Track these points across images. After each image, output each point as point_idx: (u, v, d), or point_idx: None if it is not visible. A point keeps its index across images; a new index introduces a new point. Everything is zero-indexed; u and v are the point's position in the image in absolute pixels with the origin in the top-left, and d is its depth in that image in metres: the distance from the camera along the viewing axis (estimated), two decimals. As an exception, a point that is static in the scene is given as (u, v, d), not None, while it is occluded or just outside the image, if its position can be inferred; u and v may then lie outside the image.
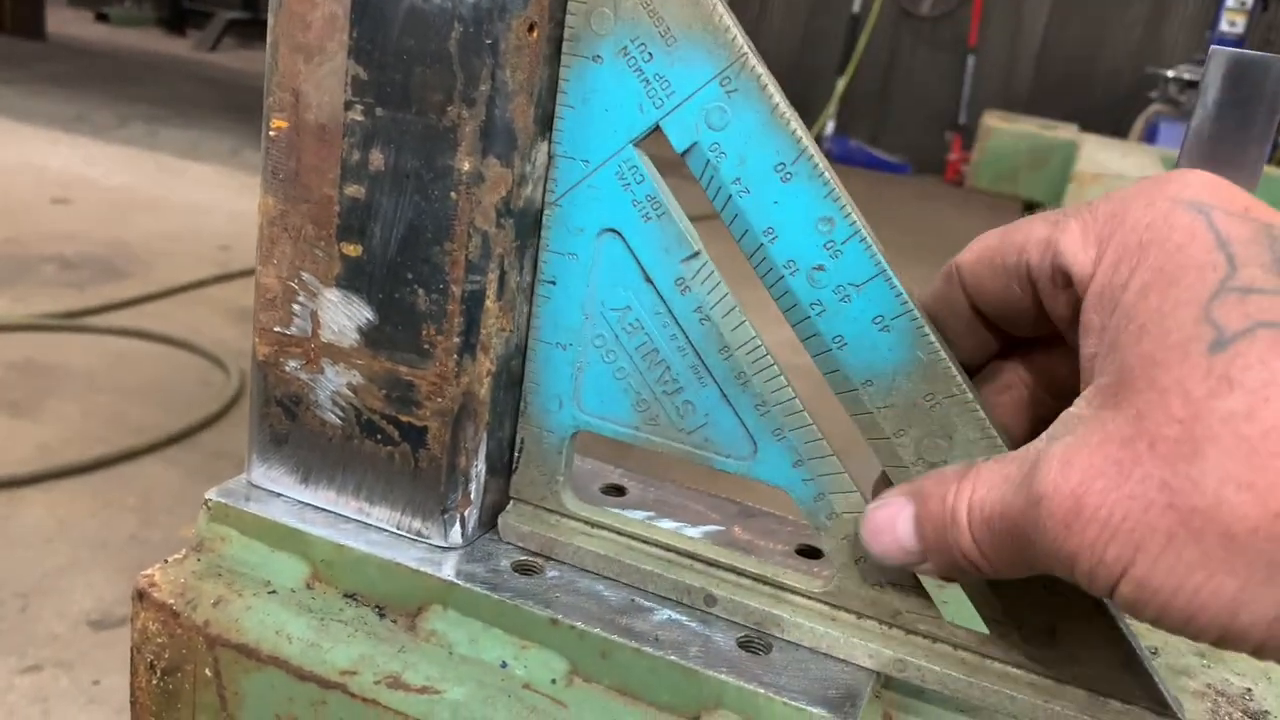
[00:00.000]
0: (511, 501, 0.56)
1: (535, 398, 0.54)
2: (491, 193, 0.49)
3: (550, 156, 0.50)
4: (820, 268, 0.47)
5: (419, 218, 0.50)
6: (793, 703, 0.47)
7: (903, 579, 0.49)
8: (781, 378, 0.50)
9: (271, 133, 0.52)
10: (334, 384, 0.54)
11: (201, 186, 4.80)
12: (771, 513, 0.64)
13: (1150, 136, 5.42)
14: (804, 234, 0.47)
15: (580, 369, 0.52)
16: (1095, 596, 0.44)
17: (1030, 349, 0.48)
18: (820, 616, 0.51)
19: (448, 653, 0.51)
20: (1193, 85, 5.71)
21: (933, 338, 0.46)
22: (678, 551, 0.54)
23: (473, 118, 0.48)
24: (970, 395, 0.46)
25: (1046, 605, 0.46)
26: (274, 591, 0.54)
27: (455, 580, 0.52)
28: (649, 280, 0.50)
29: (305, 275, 0.53)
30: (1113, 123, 6.41)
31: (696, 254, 0.50)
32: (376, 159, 0.50)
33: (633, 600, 0.53)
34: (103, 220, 4.20)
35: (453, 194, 0.49)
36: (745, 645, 0.51)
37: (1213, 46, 0.67)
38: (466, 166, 0.49)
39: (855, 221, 0.46)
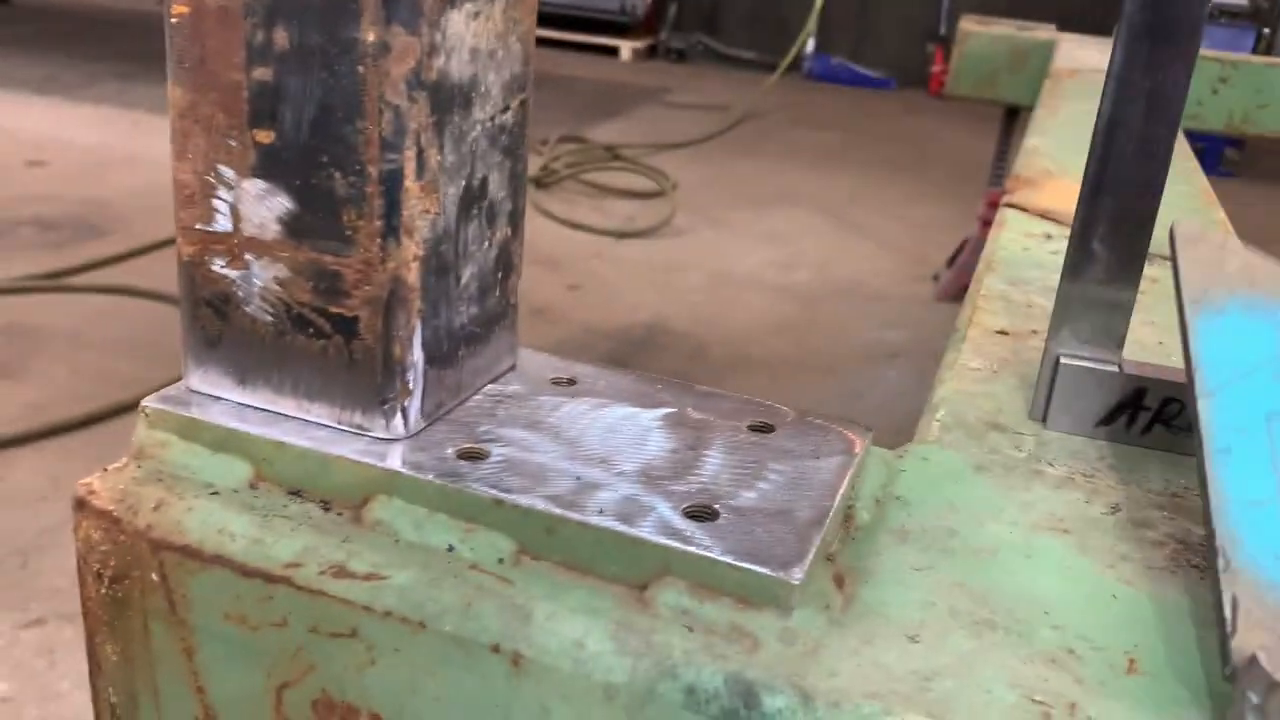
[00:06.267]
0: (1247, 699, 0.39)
1: (1241, 555, 0.44)
2: (399, 64, 0.48)
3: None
4: None
5: (328, 96, 0.49)
6: (739, 564, 0.47)
7: None
8: None
9: (174, 19, 0.50)
10: (261, 279, 0.53)
11: (176, 142, 4.73)
12: (722, 393, 0.63)
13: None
14: None
15: None
16: None
17: None
18: None
19: (393, 540, 0.51)
20: (1175, -20, 5.60)
21: None
22: None
23: (374, -14, 0.46)
24: None
25: None
26: (216, 493, 0.53)
27: (398, 469, 0.51)
28: None
29: (221, 167, 0.52)
30: (1096, 23, 6.30)
31: None
32: (280, 38, 0.48)
33: (578, 478, 0.52)
34: (79, 180, 4.16)
35: (360, 68, 0.48)
36: (691, 514, 0.50)
37: None
38: (371, 37, 0.47)
39: None
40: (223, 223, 0.53)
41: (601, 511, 0.49)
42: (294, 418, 0.55)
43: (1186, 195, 1.40)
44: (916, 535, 0.55)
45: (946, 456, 0.64)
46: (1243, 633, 0.41)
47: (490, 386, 0.60)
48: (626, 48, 7.13)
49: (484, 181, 0.55)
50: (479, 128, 0.53)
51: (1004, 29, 3.33)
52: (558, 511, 0.49)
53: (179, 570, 0.52)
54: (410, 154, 0.49)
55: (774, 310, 3.53)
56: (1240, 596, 0.42)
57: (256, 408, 0.55)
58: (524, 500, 0.50)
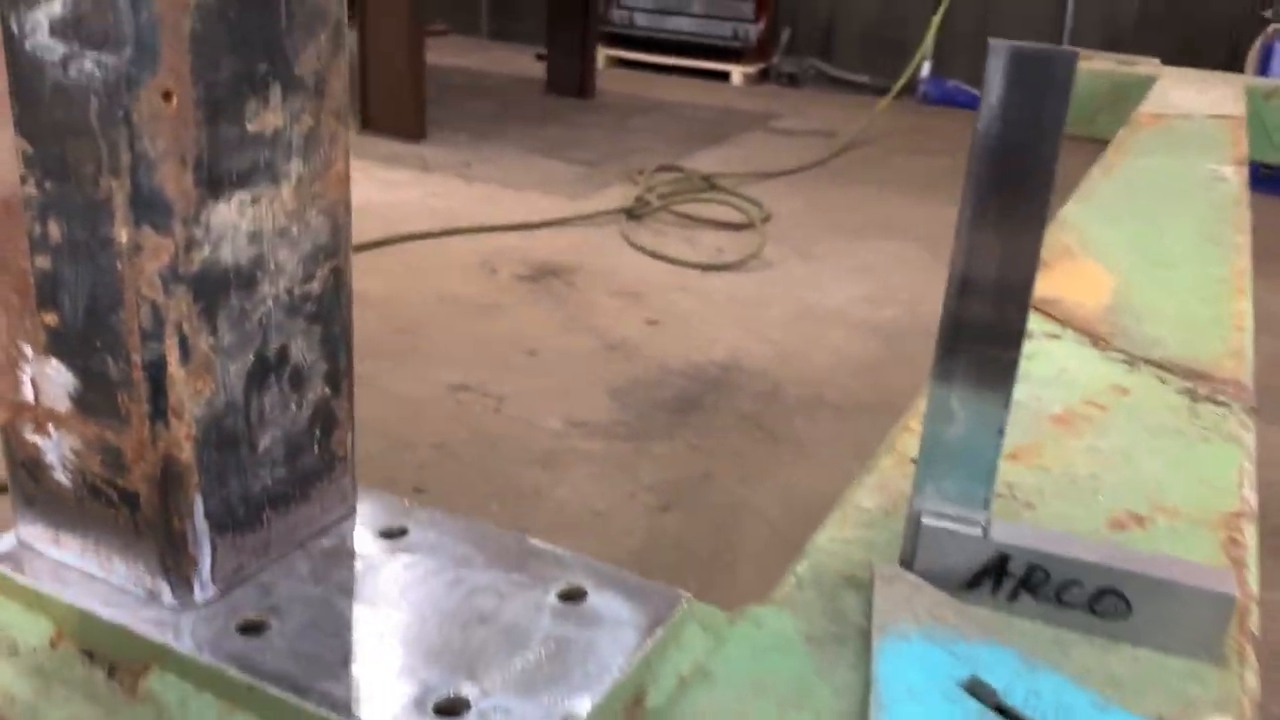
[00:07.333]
0: None
1: None
2: (153, 261, 0.49)
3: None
4: None
5: (96, 288, 0.50)
6: (460, 774, 0.46)
7: None
8: None
9: (-30, 207, 0.53)
10: (61, 448, 0.55)
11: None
12: (552, 549, 0.62)
13: (1264, 63, 5.07)
14: None
15: None
16: None
17: None
18: None
19: (157, 714, 0.52)
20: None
21: None
22: None
23: (121, 188, 0.48)
24: None
25: None
26: (16, 653, 0.55)
27: (170, 643, 0.53)
28: None
29: (21, 343, 0.54)
30: (1228, 51, 6.02)
31: None
32: (54, 231, 0.50)
33: (347, 660, 0.52)
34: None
35: (118, 264, 0.49)
36: (441, 709, 0.50)
37: (991, 40, 0.61)
38: (124, 237, 0.48)
39: None
40: (27, 394, 0.55)
41: (347, 707, 0.49)
42: (100, 578, 0.56)
43: (1214, 280, 1.31)
44: (703, 724, 0.54)
45: (782, 622, 0.61)
46: None
47: (316, 540, 0.61)
48: (738, 73, 7.12)
49: (283, 350, 0.56)
50: (270, 302, 0.54)
51: (1103, 64, 3.20)
52: (294, 701, 0.49)
53: (-26, 727, 0.54)
54: (172, 343, 0.50)
55: (856, 349, 3.47)
56: None
57: (70, 565, 0.57)
58: (272, 689, 0.50)
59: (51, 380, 0.54)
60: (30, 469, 0.57)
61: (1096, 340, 1.08)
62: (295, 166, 0.53)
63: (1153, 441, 0.87)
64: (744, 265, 4.01)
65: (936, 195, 5.01)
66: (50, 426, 0.55)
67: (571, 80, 6.28)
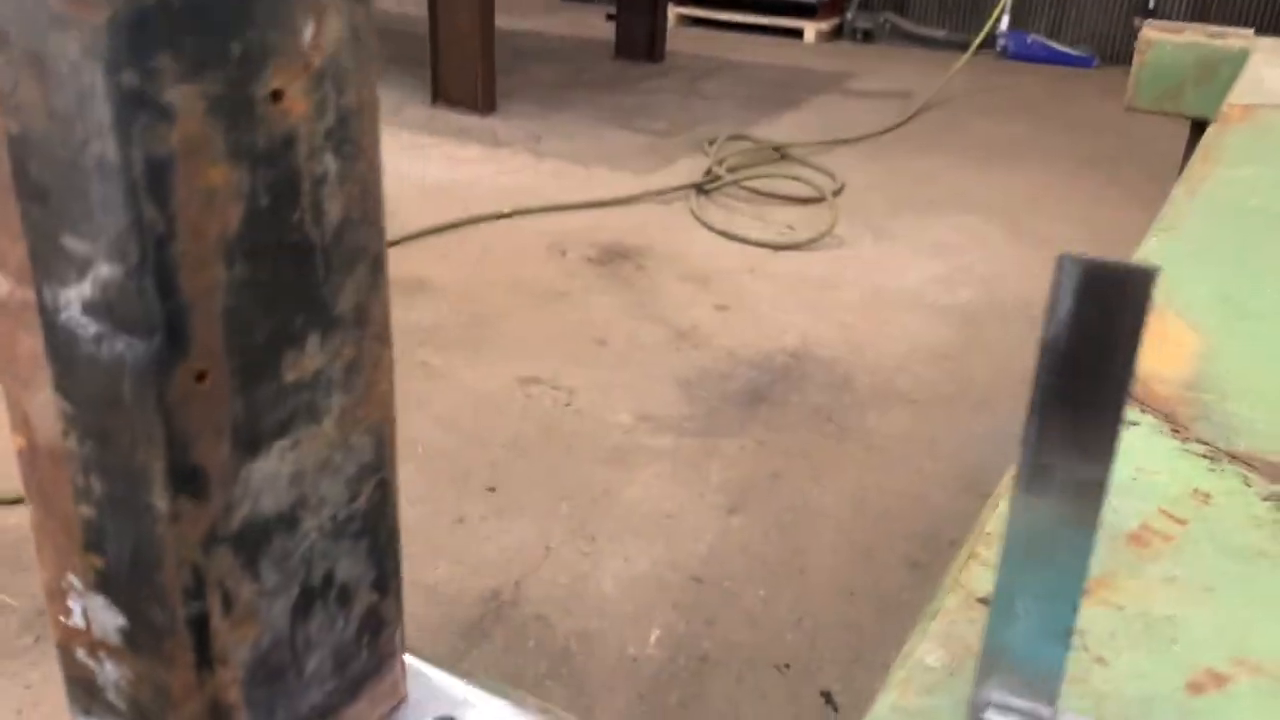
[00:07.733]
0: None
1: None
2: (192, 528, 0.48)
3: None
4: None
5: (139, 543, 0.50)
6: None
7: None
8: None
9: (16, 449, 0.53)
10: (113, 676, 0.55)
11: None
12: (604, 748, 0.61)
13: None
14: None
15: None
16: None
17: None
18: None
19: None
20: None
21: None
22: None
23: (157, 460, 0.47)
24: None
25: None
26: None
27: None
28: None
29: (71, 577, 0.54)
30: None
31: None
32: (97, 486, 0.50)
33: None
34: None
35: (158, 527, 0.49)
36: None
37: (1061, 254, 0.58)
38: (162, 507, 0.48)
39: None
40: (78, 621, 0.55)
41: None
42: (155, 793, 0.57)
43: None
44: None
45: (838, 827, 0.60)
46: None
47: (366, 736, 0.61)
48: (811, 29, 6.96)
49: (329, 574, 0.55)
50: (313, 534, 0.54)
51: (1191, 36, 3.06)
52: None
53: None
54: (214, 599, 0.50)
55: (931, 334, 3.40)
56: None
57: (126, 775, 0.58)
58: None
59: (101, 613, 0.54)
60: (85, 687, 0.57)
61: (1176, 428, 1.03)
62: (336, 400, 0.52)
63: (1235, 568, 0.83)
64: (815, 244, 3.94)
65: (1013, 162, 4.86)
66: (102, 654, 0.55)
67: (641, 43, 6.20)
